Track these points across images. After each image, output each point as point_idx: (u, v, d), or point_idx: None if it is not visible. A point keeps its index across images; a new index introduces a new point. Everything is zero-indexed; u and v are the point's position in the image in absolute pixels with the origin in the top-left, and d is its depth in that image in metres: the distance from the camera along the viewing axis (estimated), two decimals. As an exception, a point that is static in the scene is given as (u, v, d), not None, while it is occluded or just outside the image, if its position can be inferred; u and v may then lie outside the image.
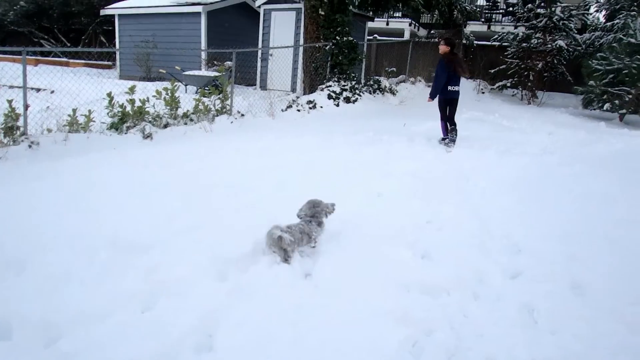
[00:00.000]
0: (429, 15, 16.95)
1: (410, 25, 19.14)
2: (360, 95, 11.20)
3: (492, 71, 15.75)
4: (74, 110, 6.73)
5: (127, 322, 2.42)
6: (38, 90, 10.34)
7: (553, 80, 15.40)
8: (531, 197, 4.71)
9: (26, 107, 6.21)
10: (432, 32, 18.77)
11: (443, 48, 7.22)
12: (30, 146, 5.89)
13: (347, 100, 10.84)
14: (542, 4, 14.94)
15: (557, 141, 8.28)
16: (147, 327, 2.39)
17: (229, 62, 11.68)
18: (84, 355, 2.19)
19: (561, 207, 4.43)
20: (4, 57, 16.44)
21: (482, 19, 20.19)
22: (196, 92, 11.05)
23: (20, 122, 6.13)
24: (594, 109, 12.84)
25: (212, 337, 2.35)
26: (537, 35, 14.87)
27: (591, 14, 17.50)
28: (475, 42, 17.61)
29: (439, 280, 2.96)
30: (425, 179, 5.27)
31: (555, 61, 14.95)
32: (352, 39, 11.42)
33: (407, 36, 18.72)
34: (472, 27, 19.03)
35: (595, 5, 17.03)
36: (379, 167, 5.70)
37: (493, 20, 20.35)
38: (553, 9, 14.78)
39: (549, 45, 14.62)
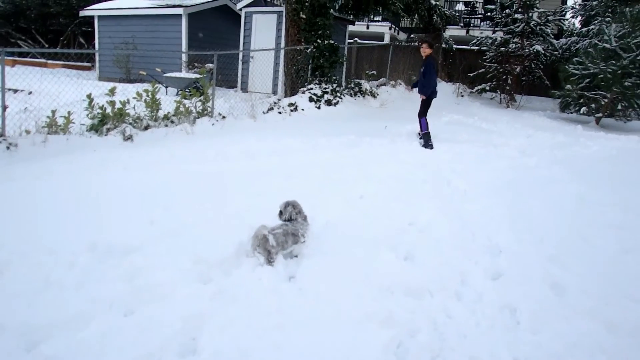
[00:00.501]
0: (409, 19, 17.13)
1: (390, 29, 19.32)
2: (341, 98, 11.22)
3: (471, 75, 16.06)
4: (53, 112, 6.59)
5: (109, 326, 2.41)
6: (15, 91, 10.10)
7: (531, 84, 15.71)
8: (511, 200, 4.79)
9: (4, 108, 6.08)
10: (411, 36, 18.96)
11: (427, 50, 7.60)
12: (8, 148, 5.77)
13: (329, 102, 10.85)
14: (520, 10, 15.27)
15: (535, 144, 8.45)
16: (130, 331, 2.37)
17: (210, 65, 11.59)
18: (66, 359, 2.18)
19: (539, 209, 4.52)
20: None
21: (461, 24, 20.56)
22: (177, 94, 10.94)
23: None
24: (571, 113, 13.16)
25: (196, 340, 2.34)
26: (515, 40, 15.19)
27: (567, 19, 18.06)
28: (455, 46, 17.93)
29: (422, 282, 2.99)
30: (406, 182, 5.32)
31: (533, 65, 15.26)
32: (333, 42, 11.46)
33: (387, 40, 18.87)
34: (451, 31, 19.34)
35: (571, 11, 17.57)
36: (360, 170, 5.72)
37: (472, 24, 20.73)
38: (530, 14, 15.10)
39: (527, 50, 14.94)
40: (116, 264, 3.01)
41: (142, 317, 2.49)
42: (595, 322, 2.63)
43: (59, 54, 16.67)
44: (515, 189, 5.19)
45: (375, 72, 14.34)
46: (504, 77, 15.18)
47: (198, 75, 11.03)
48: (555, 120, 12.79)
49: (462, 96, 15.63)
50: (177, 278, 2.86)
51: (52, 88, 8.34)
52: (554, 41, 15.53)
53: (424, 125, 7.58)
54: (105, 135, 6.94)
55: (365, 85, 12.69)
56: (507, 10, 15.64)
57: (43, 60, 17.44)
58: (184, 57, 13.54)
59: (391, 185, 5.16)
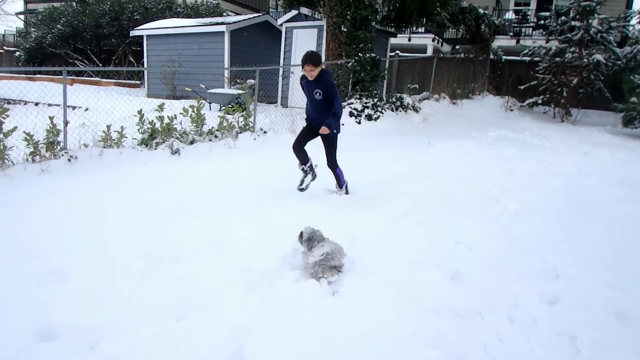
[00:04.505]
0: (454, 30, 16.72)
1: (433, 40, 19.04)
2: (382, 113, 11.12)
3: (522, 87, 15.24)
4: (108, 127, 7.00)
5: (162, 329, 2.53)
6: (74, 108, 10.68)
7: (589, 97, 14.63)
8: (567, 221, 4.50)
9: (66, 123, 6.46)
10: (456, 47, 18.64)
11: (315, 68, 4.61)
12: (69, 160, 6.17)
13: (369, 117, 10.77)
14: (577, 17, 14.31)
15: (594, 162, 7.93)
16: (182, 335, 2.49)
17: (251, 80, 11.81)
18: (124, 358, 2.31)
19: (599, 231, 4.20)
20: (43, 78, 17.09)
21: (511, 33, 19.61)
22: (220, 110, 11.18)
23: (61, 138, 6.45)
24: (636, 127, 12.35)
25: (244, 347, 2.39)
26: (572, 49, 14.27)
27: (632, 25, 16.56)
28: (504, 57, 17.19)
29: (471, 303, 2.87)
30: (451, 199, 5.16)
31: (592, 76, 14.21)
32: (374, 55, 11.41)
33: (430, 52, 18.63)
34: (500, 41, 18.48)
35: (638, 16, 15.94)
36: (403, 186, 5.61)
37: (522, 34, 19.82)
38: (590, 21, 14.07)
39: (585, 60, 13.98)
40: (167, 270, 3.19)
41: (192, 323, 2.60)
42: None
43: (111, 73, 17.45)
44: (572, 210, 4.87)
45: (417, 85, 14.18)
46: (559, 89, 14.31)
47: (240, 91, 11.25)
48: (617, 136, 12.04)
49: (511, 110, 15.03)
50: (225, 287, 2.97)
51: (106, 104, 8.76)
52: (617, 50, 14.47)
53: (341, 175, 5.25)
54: (155, 149, 7.22)
55: (407, 99, 12.53)
56: (563, 18, 14.69)
57: (97, 78, 18.35)
58: (226, 73, 13.86)
59: (436, 202, 5.03)
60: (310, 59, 4.60)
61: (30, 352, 2.34)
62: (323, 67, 4.80)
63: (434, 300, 2.88)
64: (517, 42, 19.21)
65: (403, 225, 4.30)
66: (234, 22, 14.76)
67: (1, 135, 5.75)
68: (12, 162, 5.89)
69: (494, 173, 6.59)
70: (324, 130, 4.59)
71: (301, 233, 3.36)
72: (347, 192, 5.27)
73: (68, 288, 2.96)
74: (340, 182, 5.22)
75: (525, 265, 3.45)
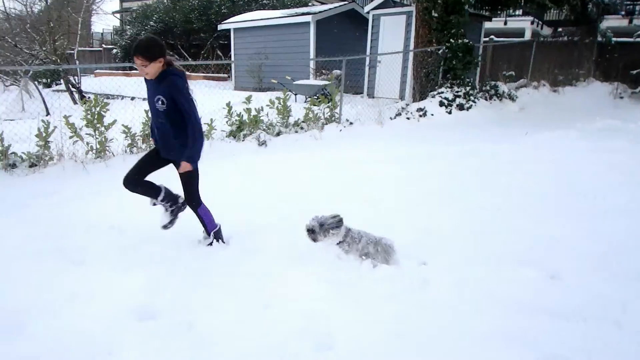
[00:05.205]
0: (556, 11, 15.23)
1: (532, 23, 17.52)
2: (474, 102, 10.43)
3: (634, 72, 13.57)
4: (198, 120, 7.09)
5: (248, 316, 2.59)
6: (165, 101, 11.17)
7: None
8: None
9: (160, 117, 6.63)
10: (558, 30, 16.98)
11: (153, 65, 3.11)
12: None
13: (461, 107, 10.15)
14: None
15: None
16: (270, 321, 2.54)
17: (337, 71, 11.60)
18: (219, 338, 2.38)
19: None
20: (138, 73, 18.18)
21: (623, 12, 17.51)
22: (305, 101, 11.11)
23: None
24: None
25: (331, 336, 2.38)
26: None
27: None
28: (613, 39, 15.39)
29: (573, 305, 2.64)
30: (537, 195, 4.72)
31: None
32: (467, 41, 10.72)
33: (528, 36, 17.21)
34: (610, 21, 16.27)
35: None
36: (496, 179, 5.26)
37: (637, 12, 17.71)
38: None
39: None
40: (249, 261, 3.26)
41: (278, 310, 2.64)
42: None
43: (200, 67, 18.15)
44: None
45: (513, 72, 13.16)
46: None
47: (326, 82, 11.10)
48: None
49: (621, 98, 13.42)
50: (306, 277, 2.97)
51: (196, 98, 9.00)
52: None
53: (207, 215, 3.60)
54: (242, 140, 7.28)
55: (502, 87, 11.67)
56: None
57: (187, 72, 19.14)
58: (312, 64, 13.78)
59: (534, 196, 4.64)
60: (141, 49, 3.03)
61: (130, 330, 2.47)
62: (175, 63, 3.29)
63: (529, 299, 2.71)
64: (630, 21, 17.16)
65: (498, 220, 4.02)
66: (320, 12, 14.62)
67: (102, 128, 6.06)
68: (112, 153, 6.19)
69: (597, 166, 5.84)
70: (185, 167, 3.22)
71: (312, 229, 3.16)
72: (217, 240, 3.59)
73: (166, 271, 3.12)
74: (207, 225, 3.58)
75: (635, 269, 3.07)
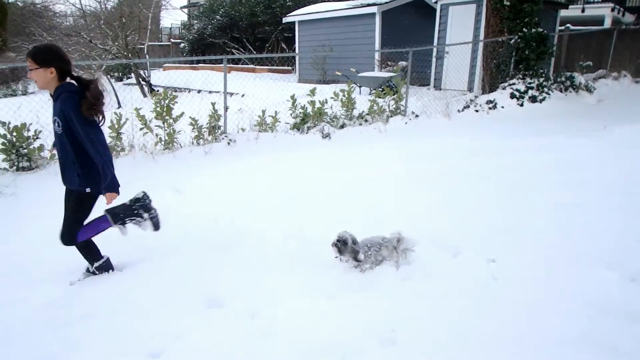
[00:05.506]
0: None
1: (612, 10, 16.29)
2: (548, 94, 9.92)
3: None
4: (263, 112, 7.31)
5: (314, 307, 2.62)
6: (231, 94, 11.54)
7: None
8: None
9: (226, 109, 6.89)
10: (642, 16, 15.74)
11: (42, 73, 2.70)
12: (229, 143, 6.57)
13: (533, 99, 9.69)
14: None
15: None
16: (336, 315, 2.55)
17: (403, 62, 11.43)
18: (282, 327, 2.45)
19: None
20: (205, 67, 18.88)
21: None
22: (370, 93, 11.05)
23: (221, 122, 6.92)
24: None
25: (395, 332, 2.37)
26: None
27: None
28: None
29: None
30: (633, 192, 4.36)
31: None
32: (541, 30, 10.19)
33: (607, 24, 16.05)
34: None
35: None
36: (571, 175, 4.96)
37: None
38: None
39: None
40: (318, 252, 3.22)
41: (345, 304, 2.64)
42: None
43: (265, 60, 18.52)
44: None
45: (591, 63, 12.35)
46: None
47: (391, 74, 10.97)
48: None
49: None
50: (380, 271, 2.98)
51: (260, 91, 9.23)
52: None
53: (89, 246, 3.11)
54: (306, 133, 7.35)
55: (579, 78, 10.99)
56: None
57: (252, 66, 19.62)
58: (377, 56, 13.65)
59: (615, 192, 4.34)
60: (32, 51, 2.69)
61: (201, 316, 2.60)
62: (76, 75, 2.79)
63: (607, 303, 2.56)
64: None
65: (572, 218, 3.80)
66: (385, 3, 14.42)
67: (171, 121, 6.32)
68: (180, 144, 6.46)
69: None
70: (111, 198, 2.82)
71: (339, 246, 2.90)
72: (99, 271, 3.10)
73: (230, 262, 3.24)
74: (89, 255, 3.08)
75: None
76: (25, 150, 5.47)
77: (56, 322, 2.59)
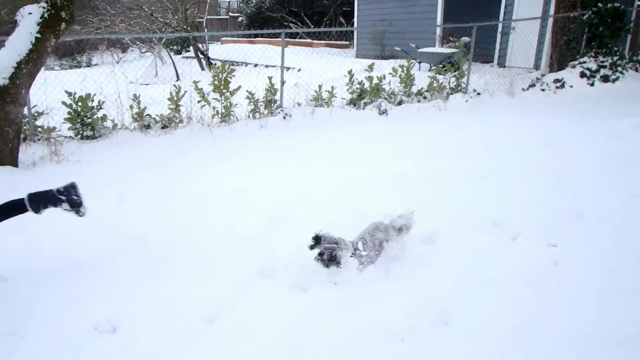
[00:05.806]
0: None
1: (702, -17, 14.92)
2: (622, 73, 9.30)
3: None
4: (319, 87, 7.29)
5: (382, 286, 2.64)
6: (287, 69, 11.61)
7: None
8: None
9: (282, 83, 6.98)
10: None
11: None
12: (284, 117, 6.65)
13: (605, 78, 9.13)
14: None
15: None
16: (392, 294, 2.56)
17: (465, 38, 11.04)
18: (332, 305, 2.47)
19: None
20: (262, 41, 19.04)
21: None
22: (430, 70, 10.80)
23: (277, 97, 7.00)
24: None
25: (449, 312, 2.38)
26: None
27: None
28: None
29: None
30: None
31: None
32: (618, 5, 9.46)
33: (696, -2, 14.68)
34: None
35: None
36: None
37: None
38: None
39: None
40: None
41: (403, 285, 2.65)
42: None
43: (322, 34, 18.38)
44: None
45: (674, 40, 11.37)
46: None
47: (453, 50, 10.65)
48: None
49: None
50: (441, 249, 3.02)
51: (317, 65, 9.23)
52: None
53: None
54: (363, 109, 7.32)
55: (660, 57, 10.20)
56: None
57: (309, 40, 19.56)
58: (438, 31, 13.24)
59: None
60: None
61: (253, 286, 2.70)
62: None
63: None
64: None
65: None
66: (449, -24, 13.85)
67: (228, 94, 6.44)
68: (236, 117, 6.62)
69: None
70: None
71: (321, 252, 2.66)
72: None
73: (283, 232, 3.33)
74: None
75: None
76: (89, 120, 5.72)
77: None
